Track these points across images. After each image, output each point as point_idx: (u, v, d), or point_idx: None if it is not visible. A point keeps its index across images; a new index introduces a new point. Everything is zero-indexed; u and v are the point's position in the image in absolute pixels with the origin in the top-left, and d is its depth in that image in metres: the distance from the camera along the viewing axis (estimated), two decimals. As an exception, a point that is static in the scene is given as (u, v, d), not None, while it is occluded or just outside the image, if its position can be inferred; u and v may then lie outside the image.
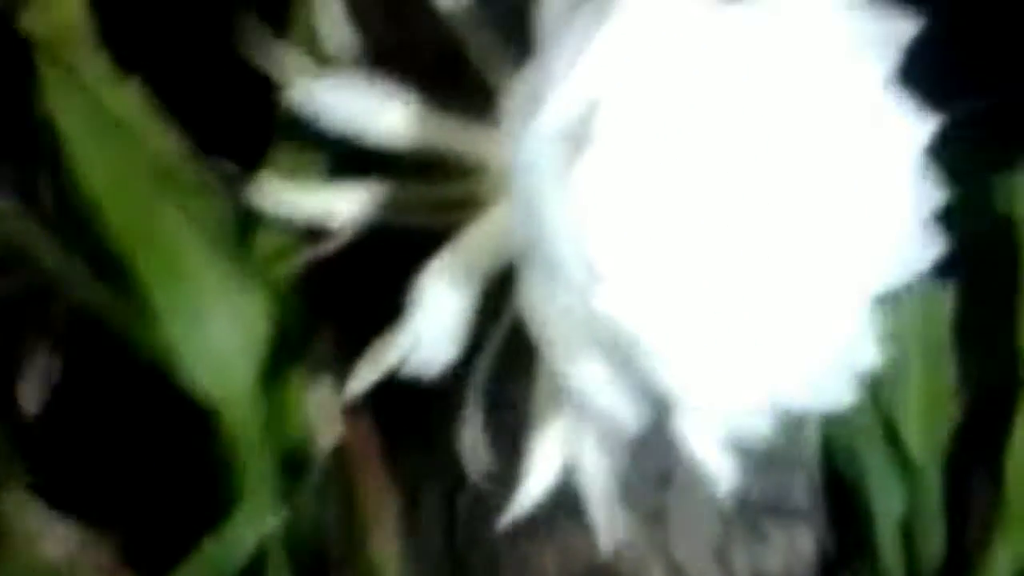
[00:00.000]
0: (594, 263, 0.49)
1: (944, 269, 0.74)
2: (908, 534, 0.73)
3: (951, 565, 0.73)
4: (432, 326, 0.51)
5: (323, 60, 0.55)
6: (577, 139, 0.48)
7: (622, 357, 0.50)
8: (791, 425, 0.54)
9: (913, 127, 0.53)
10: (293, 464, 0.61)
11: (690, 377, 0.51)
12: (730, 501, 0.65)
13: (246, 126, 0.56)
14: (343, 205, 0.54)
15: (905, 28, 0.53)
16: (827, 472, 0.71)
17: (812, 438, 0.70)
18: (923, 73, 0.78)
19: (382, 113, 0.53)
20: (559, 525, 0.64)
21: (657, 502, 0.65)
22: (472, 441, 0.54)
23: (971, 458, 0.73)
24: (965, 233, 0.75)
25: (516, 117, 0.48)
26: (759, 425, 0.53)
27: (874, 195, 0.53)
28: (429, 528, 0.67)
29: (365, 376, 0.52)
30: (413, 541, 0.67)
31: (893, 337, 0.73)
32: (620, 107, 0.50)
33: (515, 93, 0.49)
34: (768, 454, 0.66)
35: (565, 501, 0.63)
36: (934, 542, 0.73)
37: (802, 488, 0.69)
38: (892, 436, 0.74)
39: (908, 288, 0.74)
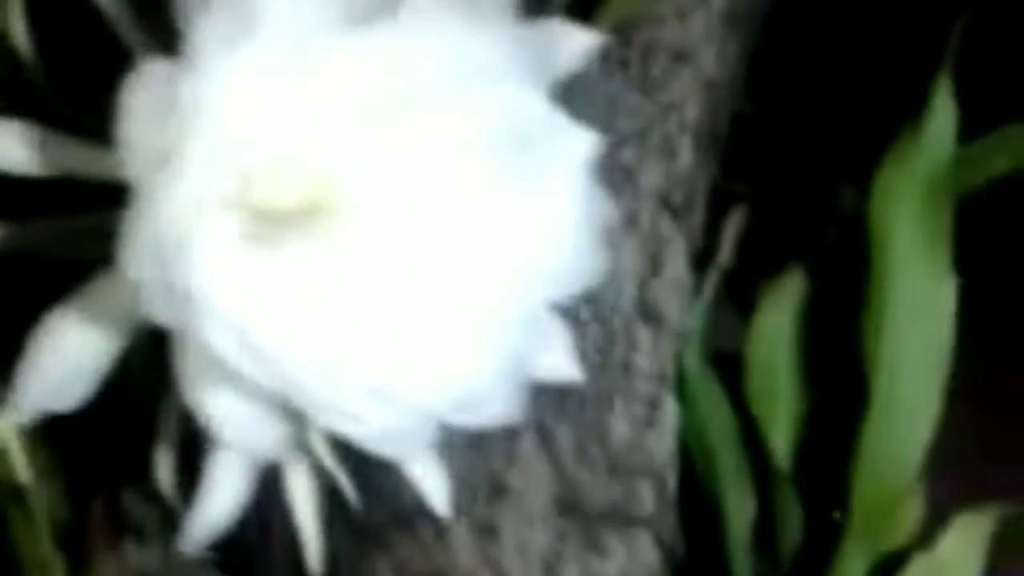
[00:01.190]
0: (201, 296, 0.48)
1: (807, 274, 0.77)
2: (759, 538, 0.74)
3: (803, 567, 0.74)
4: (47, 374, 0.51)
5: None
6: (175, 156, 0.47)
7: (249, 389, 0.49)
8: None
9: (575, 142, 0.53)
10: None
11: (333, 404, 0.50)
12: (567, 512, 0.67)
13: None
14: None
15: (568, 43, 0.53)
16: (683, 476, 0.72)
17: (667, 445, 0.71)
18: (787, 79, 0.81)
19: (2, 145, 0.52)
20: (392, 539, 0.65)
21: (489, 514, 0.66)
22: (165, 467, 0.55)
23: (822, 462, 0.75)
24: (820, 237, 0.79)
25: (124, 128, 0.47)
26: (418, 441, 0.52)
27: (542, 210, 0.53)
28: (276, 542, 0.68)
29: (13, 414, 0.51)
30: (260, 557, 0.69)
31: (764, 342, 0.76)
32: (233, 125, 0.49)
33: (125, 97, 0.47)
34: (613, 461, 0.69)
35: (397, 516, 0.65)
36: (789, 545, 0.74)
37: (649, 495, 0.70)
38: (753, 437, 0.77)
39: (781, 291, 0.78)
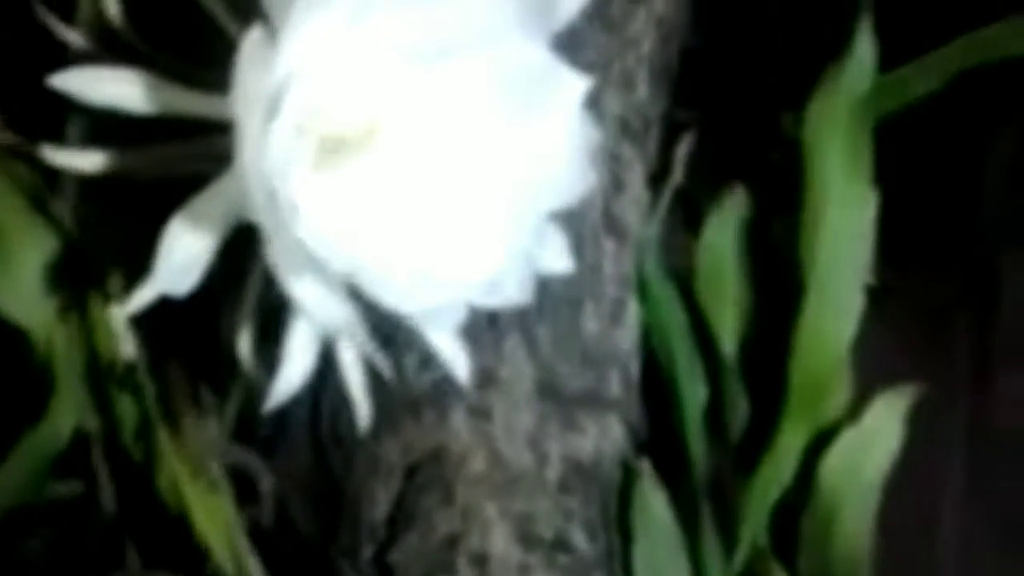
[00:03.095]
0: (293, 201, 0.61)
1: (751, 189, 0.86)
2: (711, 418, 0.83)
3: (749, 443, 0.83)
4: (173, 263, 0.62)
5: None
6: (273, 104, 0.60)
7: (326, 275, 0.62)
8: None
9: (571, 84, 0.65)
10: (98, 369, 0.75)
11: (391, 284, 0.62)
12: (547, 397, 0.77)
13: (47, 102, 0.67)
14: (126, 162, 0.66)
15: (564, 2, 0.65)
16: (645, 366, 0.80)
17: (630, 339, 0.79)
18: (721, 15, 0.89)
19: (125, 90, 0.64)
20: (400, 422, 0.74)
21: (482, 400, 0.74)
22: (244, 343, 0.66)
23: (764, 353, 0.83)
24: (764, 157, 0.88)
25: (237, 82, 0.59)
26: (453, 318, 0.65)
27: (545, 136, 0.65)
28: (296, 427, 0.78)
29: (137, 301, 0.63)
30: (282, 441, 0.78)
31: (712, 250, 0.86)
32: (312, 77, 0.62)
33: (238, 58, 0.59)
34: (586, 353, 0.77)
35: (405, 402, 0.74)
36: (736, 424, 0.83)
37: (617, 381, 0.78)
38: (704, 332, 0.84)
39: (727, 206, 0.87)
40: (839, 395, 0.83)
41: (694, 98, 0.86)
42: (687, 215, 0.85)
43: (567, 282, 0.74)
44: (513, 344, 0.75)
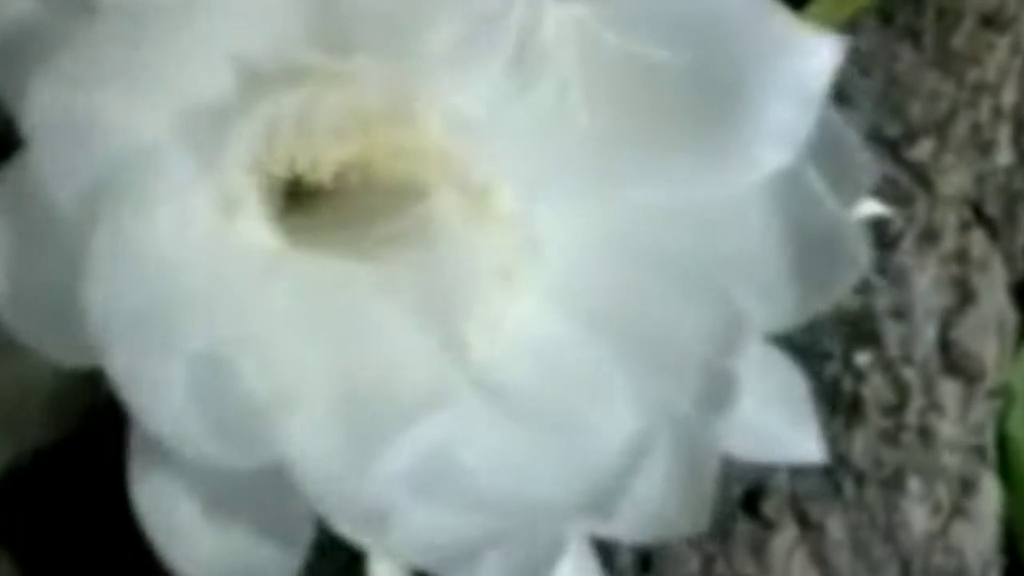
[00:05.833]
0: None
1: None
2: None
3: None
4: None
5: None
6: None
7: None
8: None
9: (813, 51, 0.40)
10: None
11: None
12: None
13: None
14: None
15: None
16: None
17: (985, 541, 0.61)
18: None
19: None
20: None
21: None
22: None
23: None
24: None
25: None
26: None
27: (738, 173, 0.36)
28: None
29: None
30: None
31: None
32: None
33: None
34: (907, 563, 0.59)
35: None
36: None
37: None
38: None
39: None
40: None
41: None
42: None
43: (876, 451, 0.59)
44: (784, 542, 0.58)
